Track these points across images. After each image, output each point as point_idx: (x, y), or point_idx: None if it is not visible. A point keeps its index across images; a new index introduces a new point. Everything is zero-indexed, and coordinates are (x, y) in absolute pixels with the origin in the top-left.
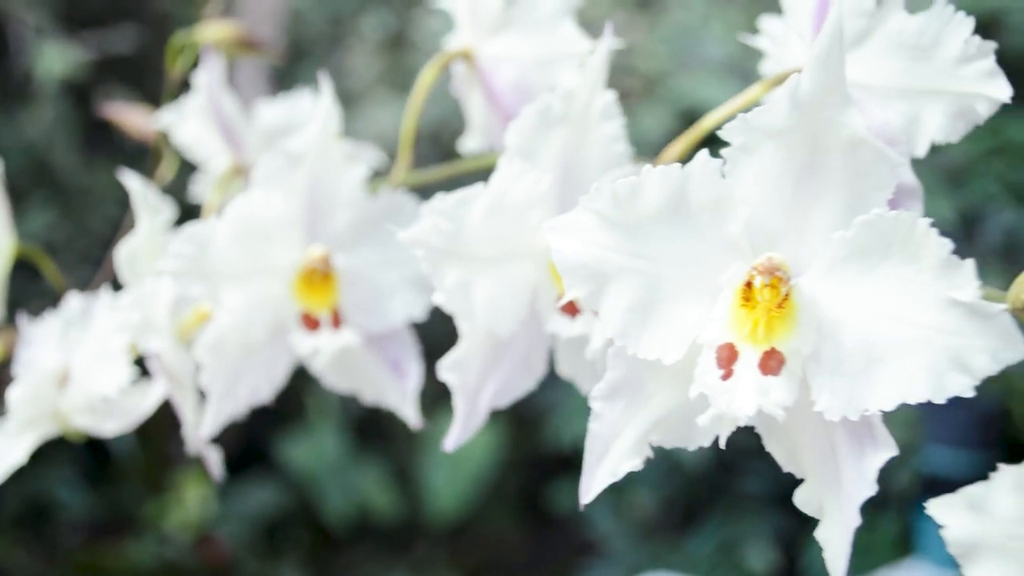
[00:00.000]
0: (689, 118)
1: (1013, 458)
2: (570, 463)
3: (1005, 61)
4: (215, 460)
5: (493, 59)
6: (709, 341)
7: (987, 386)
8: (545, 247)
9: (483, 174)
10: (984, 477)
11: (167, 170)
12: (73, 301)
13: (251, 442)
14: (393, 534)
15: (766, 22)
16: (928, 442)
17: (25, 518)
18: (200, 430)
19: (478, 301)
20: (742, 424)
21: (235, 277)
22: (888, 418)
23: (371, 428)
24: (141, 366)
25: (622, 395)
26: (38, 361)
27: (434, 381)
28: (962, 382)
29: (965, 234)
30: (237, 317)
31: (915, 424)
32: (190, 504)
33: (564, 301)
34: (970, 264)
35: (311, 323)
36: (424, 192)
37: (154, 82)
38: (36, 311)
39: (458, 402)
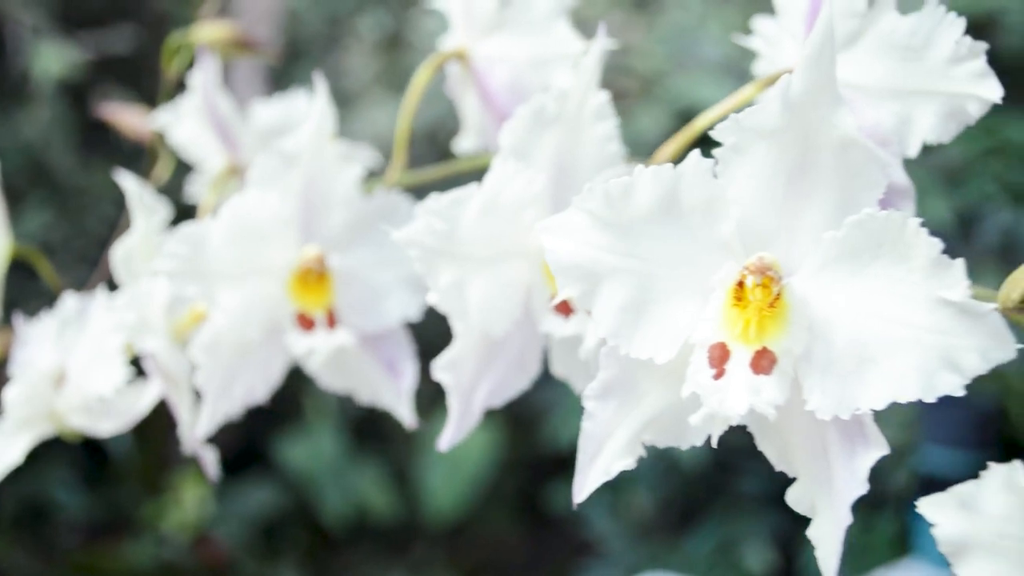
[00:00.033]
0: (686, 118)
1: (1009, 458)
2: (568, 463)
3: (1001, 61)
4: (211, 460)
5: (487, 59)
6: (701, 340)
7: (984, 386)
8: (539, 247)
9: (478, 174)
10: None
11: (163, 170)
12: (69, 301)
13: (249, 442)
14: (391, 534)
15: (759, 23)
16: (925, 442)
17: (23, 519)
18: (196, 430)
19: (472, 301)
20: (734, 423)
21: (230, 277)
22: (885, 418)
23: (369, 428)
24: (137, 366)
25: (615, 394)
26: (34, 361)
27: (430, 381)
28: (952, 381)
29: (962, 234)
30: (232, 317)
31: (912, 424)
32: (188, 505)
33: (557, 301)
34: (960, 264)
35: (306, 323)
36: (419, 192)
37: (151, 82)
38: (32, 311)
39: (452, 402)
